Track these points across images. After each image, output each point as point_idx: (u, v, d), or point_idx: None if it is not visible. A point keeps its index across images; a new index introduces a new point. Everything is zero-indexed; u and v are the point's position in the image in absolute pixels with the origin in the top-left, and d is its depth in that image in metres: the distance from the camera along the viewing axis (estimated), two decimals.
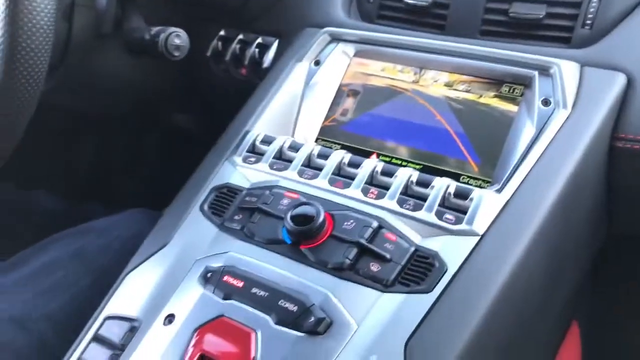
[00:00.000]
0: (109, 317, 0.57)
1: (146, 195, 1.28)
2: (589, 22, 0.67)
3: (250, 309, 0.53)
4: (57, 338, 0.66)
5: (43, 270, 0.71)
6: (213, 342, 0.50)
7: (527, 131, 0.62)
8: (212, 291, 0.55)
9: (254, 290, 0.54)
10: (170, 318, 0.54)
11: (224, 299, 0.54)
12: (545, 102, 0.63)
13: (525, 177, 0.57)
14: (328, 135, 0.72)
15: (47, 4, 0.53)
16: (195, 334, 0.52)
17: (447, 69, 0.69)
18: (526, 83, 0.65)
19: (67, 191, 1.20)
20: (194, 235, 0.61)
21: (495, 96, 0.66)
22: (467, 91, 0.67)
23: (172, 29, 0.70)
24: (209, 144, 0.73)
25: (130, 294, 0.59)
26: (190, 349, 0.50)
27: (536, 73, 0.64)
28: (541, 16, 0.69)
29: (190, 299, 0.55)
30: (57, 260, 0.73)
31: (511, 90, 0.66)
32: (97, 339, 0.56)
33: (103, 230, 0.78)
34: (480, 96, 0.66)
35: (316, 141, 0.72)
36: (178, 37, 0.70)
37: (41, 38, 0.54)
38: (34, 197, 1.15)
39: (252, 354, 0.50)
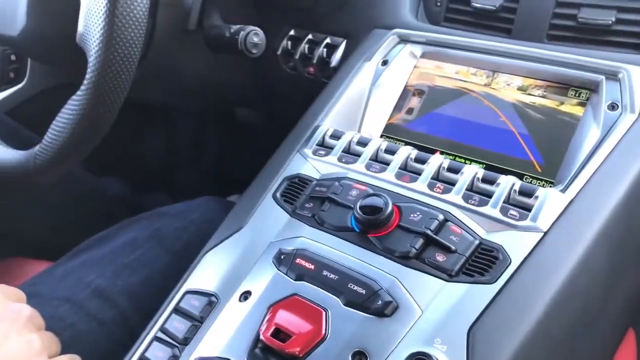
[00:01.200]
0: (188, 292, 0.62)
1: (208, 187, 1.34)
2: None
3: (321, 290, 0.56)
4: (137, 314, 0.71)
5: (123, 249, 0.76)
6: (287, 318, 0.54)
7: (592, 134, 0.63)
8: (285, 272, 0.58)
9: (325, 273, 0.57)
10: (246, 295, 0.58)
11: (296, 279, 0.57)
12: (612, 107, 0.64)
13: (589, 178, 0.59)
14: (392, 132, 0.75)
15: (142, 1, 0.58)
16: (270, 310, 0.55)
17: (516, 72, 0.71)
18: (592, 87, 0.66)
19: (135, 181, 1.26)
20: (267, 220, 0.65)
21: (561, 100, 0.67)
22: (542, 96, 0.68)
23: (251, 27, 0.74)
24: (271, 138, 0.76)
25: (208, 272, 0.63)
26: (266, 323, 0.54)
27: (603, 78, 0.65)
28: (611, 22, 0.70)
29: (264, 278, 0.59)
30: (136, 239, 0.77)
31: (577, 94, 0.67)
32: (178, 310, 0.61)
33: (178, 214, 0.82)
34: (553, 102, 0.68)
35: (380, 138, 0.74)
36: (256, 35, 0.74)
37: (135, 31, 0.59)
38: (104, 184, 1.21)
39: (324, 331, 0.53)
